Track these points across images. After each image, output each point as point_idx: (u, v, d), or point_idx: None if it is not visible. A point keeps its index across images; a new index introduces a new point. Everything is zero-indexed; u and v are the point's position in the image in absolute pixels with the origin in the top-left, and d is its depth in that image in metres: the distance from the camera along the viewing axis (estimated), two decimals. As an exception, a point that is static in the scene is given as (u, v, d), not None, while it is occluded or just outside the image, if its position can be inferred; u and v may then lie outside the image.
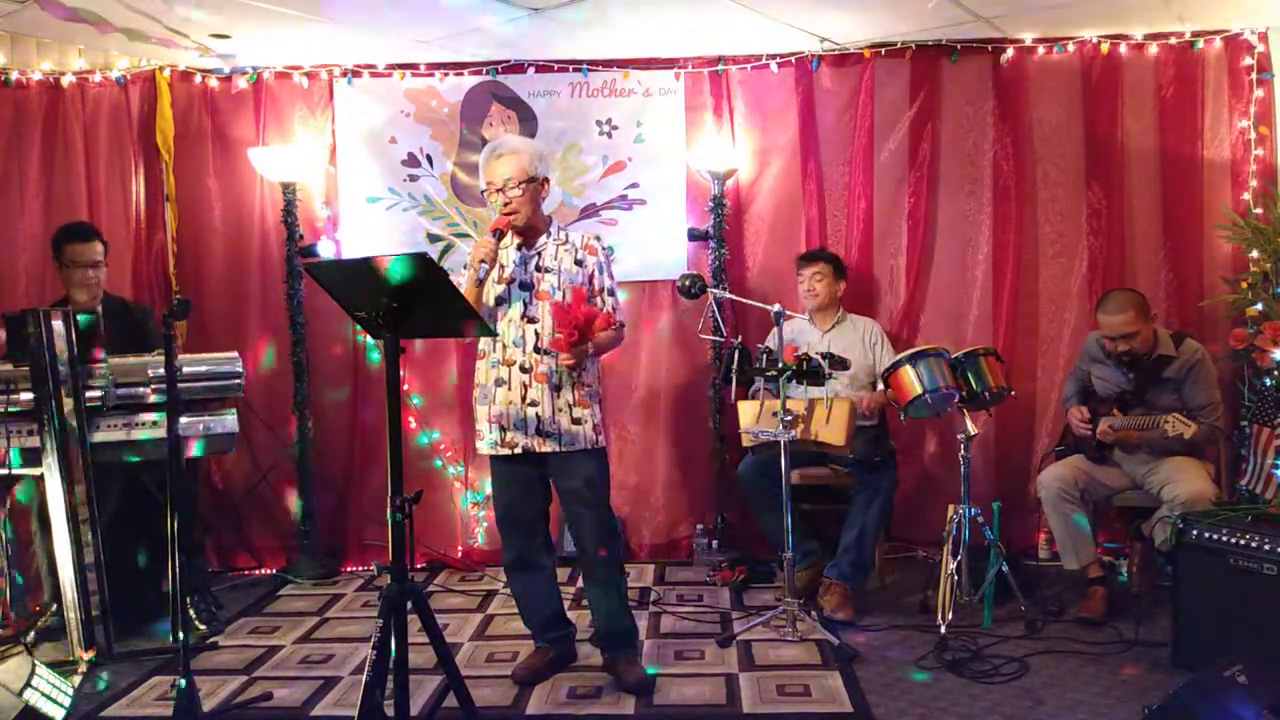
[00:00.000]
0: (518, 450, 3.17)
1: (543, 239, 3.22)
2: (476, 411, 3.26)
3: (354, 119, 4.70)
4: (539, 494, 3.28)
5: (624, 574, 3.41)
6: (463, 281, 3.05)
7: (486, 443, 3.22)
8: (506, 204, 3.12)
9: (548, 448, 3.15)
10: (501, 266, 3.20)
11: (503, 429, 3.17)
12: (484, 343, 3.24)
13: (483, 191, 3.22)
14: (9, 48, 4.48)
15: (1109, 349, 3.80)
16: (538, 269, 3.18)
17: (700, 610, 4.04)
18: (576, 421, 3.16)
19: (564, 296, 3.12)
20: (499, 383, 3.18)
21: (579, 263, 3.20)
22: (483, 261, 3.03)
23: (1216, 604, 3.15)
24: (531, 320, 3.15)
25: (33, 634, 3.62)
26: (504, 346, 3.18)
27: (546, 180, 3.21)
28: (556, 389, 3.14)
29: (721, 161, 4.56)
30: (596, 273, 3.22)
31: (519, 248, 3.21)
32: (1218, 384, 3.86)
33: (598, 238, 3.29)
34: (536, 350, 3.14)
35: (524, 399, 3.15)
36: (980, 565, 3.78)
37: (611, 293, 3.25)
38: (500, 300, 3.19)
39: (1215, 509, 3.38)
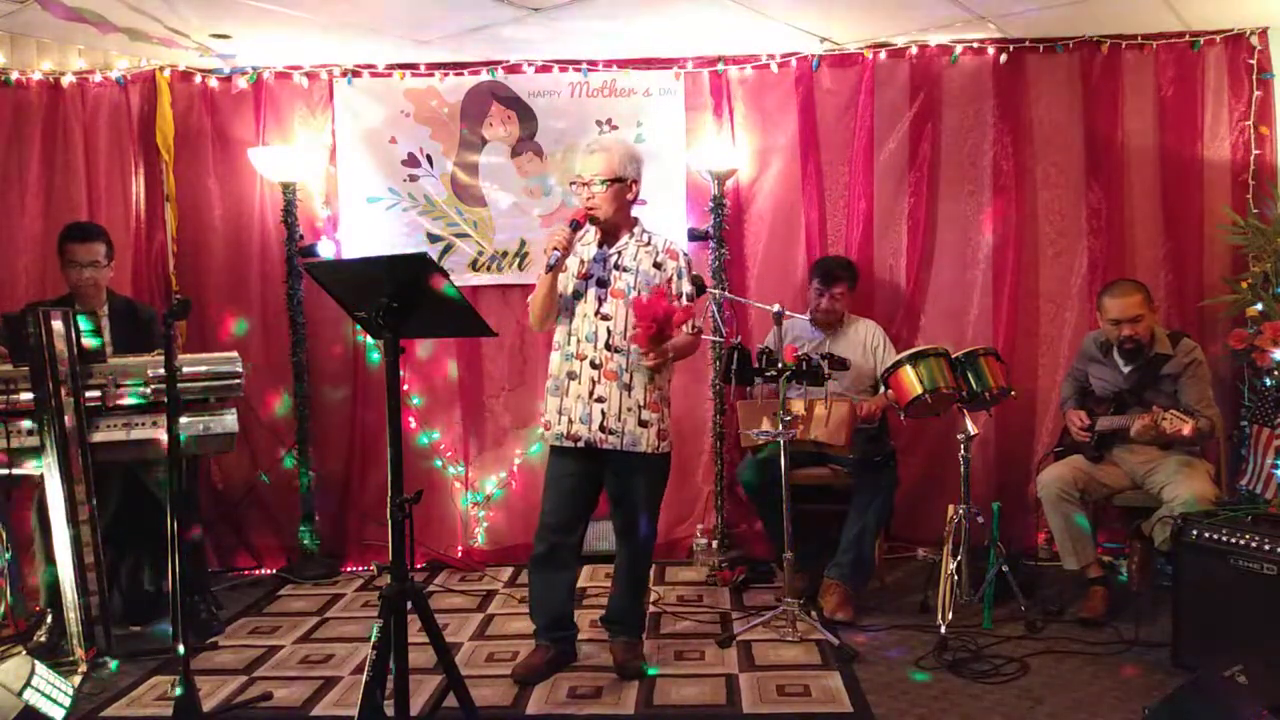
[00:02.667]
0: (580, 444, 3.21)
1: (624, 239, 3.26)
2: (548, 402, 3.31)
3: (354, 119, 4.70)
4: (587, 495, 3.32)
5: (648, 581, 3.51)
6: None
7: (553, 434, 3.27)
8: (589, 199, 3.18)
9: (610, 444, 3.19)
10: (581, 261, 3.25)
11: (570, 421, 3.21)
12: (559, 334, 3.29)
13: (571, 184, 3.28)
14: (9, 48, 4.48)
15: (1114, 336, 3.79)
16: (616, 267, 3.23)
17: (700, 610, 4.04)
18: (643, 424, 3.20)
19: (643, 296, 3.15)
20: (571, 375, 3.23)
21: (658, 265, 3.25)
22: (555, 249, 3.08)
23: (1216, 604, 3.14)
24: (605, 317, 3.20)
25: (22, 650, 3.60)
26: (578, 341, 3.23)
27: (635, 182, 3.24)
28: (626, 388, 3.19)
29: (721, 161, 4.56)
30: (675, 278, 3.26)
31: (600, 244, 3.26)
32: (1212, 383, 3.87)
33: (684, 252, 3.34)
34: (608, 347, 3.18)
35: (591, 394, 3.19)
36: (980, 565, 3.79)
37: (691, 299, 3.28)
38: (577, 294, 3.24)
39: (1215, 509, 3.38)
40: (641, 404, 3.20)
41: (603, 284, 3.23)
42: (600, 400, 3.18)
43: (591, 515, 3.40)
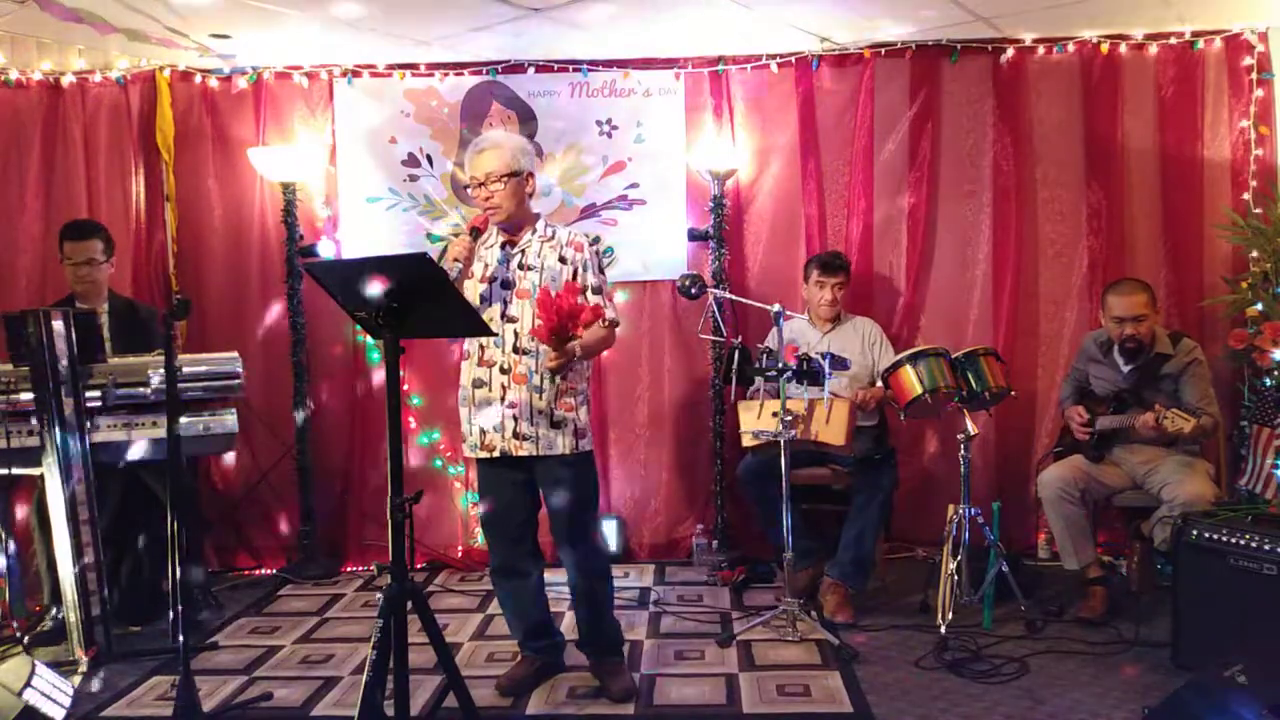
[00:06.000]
0: (496, 453, 3.10)
1: (527, 235, 3.13)
2: (460, 413, 3.19)
3: (354, 119, 4.70)
4: (523, 499, 3.17)
5: (608, 581, 3.29)
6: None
7: (468, 445, 3.17)
8: (488, 199, 3.06)
9: (524, 451, 3.06)
10: (485, 265, 3.13)
11: (482, 431, 3.11)
12: (468, 343, 3.17)
13: (465, 187, 3.18)
14: (9, 48, 4.47)
15: (1115, 335, 3.79)
16: (520, 266, 3.10)
17: (700, 610, 4.04)
18: (556, 425, 3.06)
19: (551, 290, 2.99)
20: (477, 384, 3.11)
21: (563, 259, 3.11)
22: (456, 261, 2.96)
23: (1216, 604, 3.14)
24: (511, 320, 3.07)
25: (27, 639, 3.62)
26: (482, 347, 3.11)
27: (531, 175, 3.12)
28: (537, 390, 3.05)
29: (721, 161, 4.56)
30: (580, 269, 3.11)
31: (503, 245, 3.14)
32: (1213, 382, 3.87)
33: (597, 238, 3.20)
34: (515, 350, 3.05)
35: (503, 400, 3.07)
36: (980, 565, 3.78)
37: (598, 290, 3.13)
38: (483, 299, 3.10)
39: (1215, 509, 3.37)
40: (553, 404, 3.07)
41: (507, 285, 3.07)
42: (511, 406, 3.06)
43: (537, 515, 3.24)
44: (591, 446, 3.20)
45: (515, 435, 3.07)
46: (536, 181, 3.18)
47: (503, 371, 3.08)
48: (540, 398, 3.06)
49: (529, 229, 3.15)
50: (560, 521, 3.15)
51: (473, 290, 3.11)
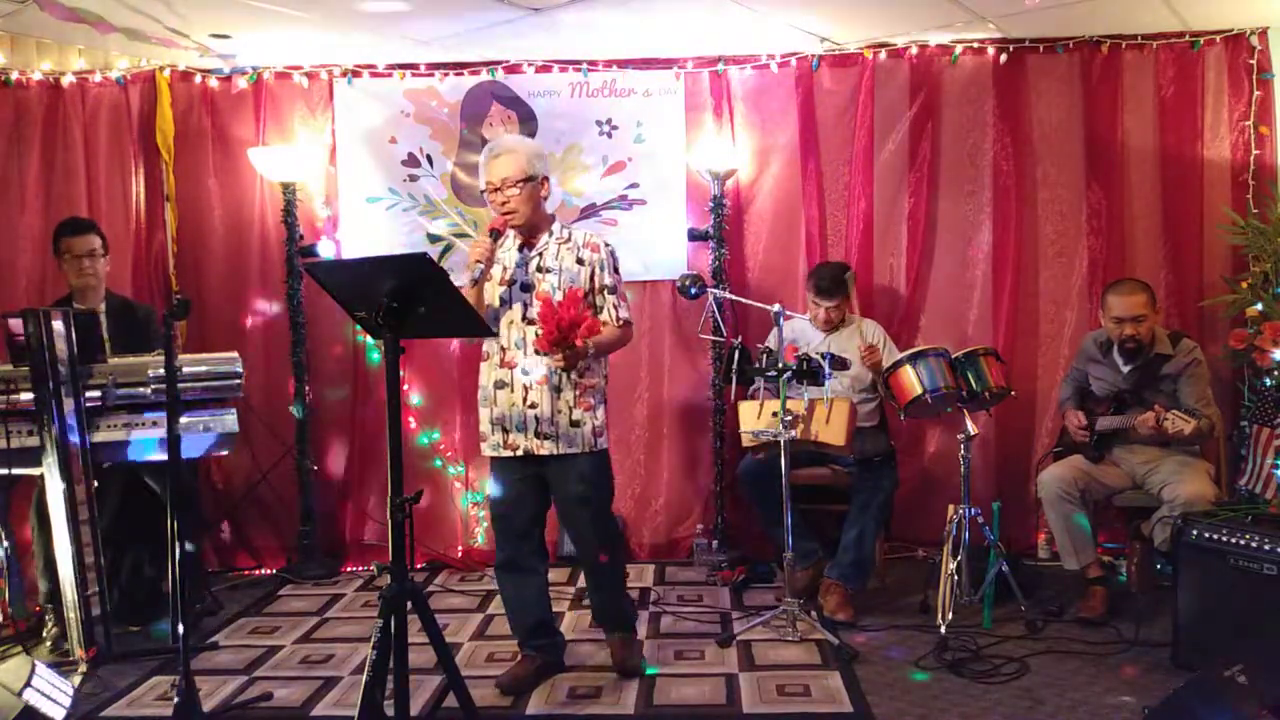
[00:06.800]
0: (519, 453, 3.16)
1: (544, 239, 3.19)
2: (480, 414, 3.25)
3: (354, 119, 4.70)
4: (535, 497, 3.24)
5: (623, 574, 3.42)
6: (462, 283, 3.02)
7: (489, 445, 3.22)
8: (504, 204, 3.10)
9: (546, 450, 3.13)
10: (504, 268, 3.18)
11: (505, 431, 3.17)
12: (488, 345, 3.22)
13: (482, 192, 3.21)
14: (9, 48, 4.48)
15: (1115, 335, 3.79)
16: (539, 269, 3.16)
17: (700, 610, 4.04)
18: (575, 424, 3.14)
19: (554, 299, 3.07)
20: (499, 385, 3.16)
21: (580, 261, 3.18)
22: (478, 262, 3.02)
23: (1216, 604, 3.14)
24: (532, 322, 3.11)
25: (49, 642, 3.65)
26: (503, 349, 3.17)
27: (546, 179, 3.18)
28: (556, 390, 3.13)
29: (721, 161, 4.56)
30: (597, 269, 3.19)
31: (520, 248, 3.20)
32: (1212, 383, 3.87)
33: (606, 242, 3.26)
34: (537, 352, 3.10)
35: (525, 401, 3.13)
36: (980, 565, 3.78)
37: (613, 290, 3.21)
38: (502, 301, 3.17)
39: (1215, 509, 3.38)
40: (571, 404, 3.13)
41: (527, 288, 3.14)
42: (533, 407, 3.12)
43: (545, 513, 3.31)
44: (607, 444, 3.28)
45: (538, 435, 3.13)
46: (551, 185, 3.23)
47: (524, 373, 3.13)
48: (559, 397, 3.12)
49: (545, 232, 3.20)
50: (576, 516, 3.23)
51: (491, 292, 3.17)
